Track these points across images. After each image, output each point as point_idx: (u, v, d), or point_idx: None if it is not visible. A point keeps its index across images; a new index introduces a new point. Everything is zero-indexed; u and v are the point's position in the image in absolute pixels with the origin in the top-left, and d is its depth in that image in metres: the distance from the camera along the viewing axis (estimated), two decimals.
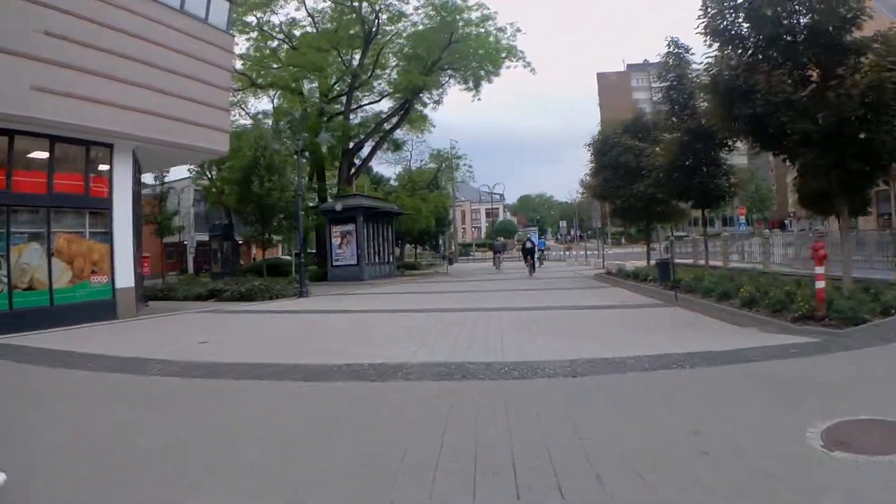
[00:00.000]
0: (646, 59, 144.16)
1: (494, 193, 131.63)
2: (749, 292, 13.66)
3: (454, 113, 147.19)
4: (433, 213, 48.76)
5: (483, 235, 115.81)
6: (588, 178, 32.20)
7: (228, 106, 22.69)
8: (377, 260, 35.08)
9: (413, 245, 62.51)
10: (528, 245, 36.83)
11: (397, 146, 46.01)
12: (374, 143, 42.24)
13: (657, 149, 25.52)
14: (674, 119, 22.14)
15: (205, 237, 49.45)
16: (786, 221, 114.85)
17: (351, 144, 41.04)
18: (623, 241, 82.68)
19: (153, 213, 34.09)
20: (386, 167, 76.84)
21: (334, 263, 33.97)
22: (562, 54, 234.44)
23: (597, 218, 43.67)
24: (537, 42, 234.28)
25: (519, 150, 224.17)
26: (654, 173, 22.25)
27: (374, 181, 56.16)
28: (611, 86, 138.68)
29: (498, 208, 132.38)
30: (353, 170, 41.91)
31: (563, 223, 63.64)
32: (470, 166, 53.12)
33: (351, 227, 33.19)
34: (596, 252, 47.57)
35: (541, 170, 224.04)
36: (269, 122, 39.37)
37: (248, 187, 25.74)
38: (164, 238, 49.57)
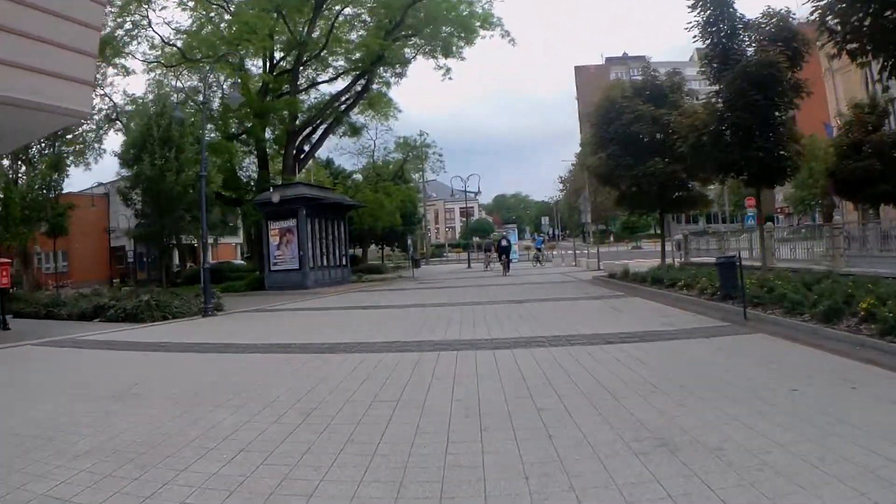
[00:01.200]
0: (625, 52, 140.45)
1: (469, 192, 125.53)
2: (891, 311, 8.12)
3: (423, 112, 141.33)
4: (399, 209, 42.41)
5: (458, 235, 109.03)
6: (579, 158, 26.44)
7: (95, 50, 15.97)
8: (326, 263, 28.56)
9: (379, 246, 56.04)
10: (504, 244, 34.61)
11: (355, 130, 39.35)
12: (326, 126, 35.62)
13: (675, 117, 19.91)
14: (714, 65, 16.12)
15: None
16: (776, 216, 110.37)
17: (304, 126, 34.65)
18: (611, 238, 76.45)
19: (44, 210, 27.31)
20: (348, 159, 70.28)
21: (272, 268, 27.47)
22: (534, 51, 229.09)
23: (586, 212, 37.53)
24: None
25: (491, 152, 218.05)
26: (690, 138, 16.18)
27: (335, 174, 49.66)
28: (589, 79, 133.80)
29: (473, 207, 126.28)
30: (302, 156, 35.38)
31: (545, 220, 57.08)
32: (440, 155, 46.73)
33: (291, 222, 26.70)
34: (586, 251, 41.64)
35: (514, 171, 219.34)
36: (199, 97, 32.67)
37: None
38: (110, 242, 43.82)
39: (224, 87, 32.69)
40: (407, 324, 12.55)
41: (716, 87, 16.28)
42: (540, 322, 11.67)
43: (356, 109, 38.19)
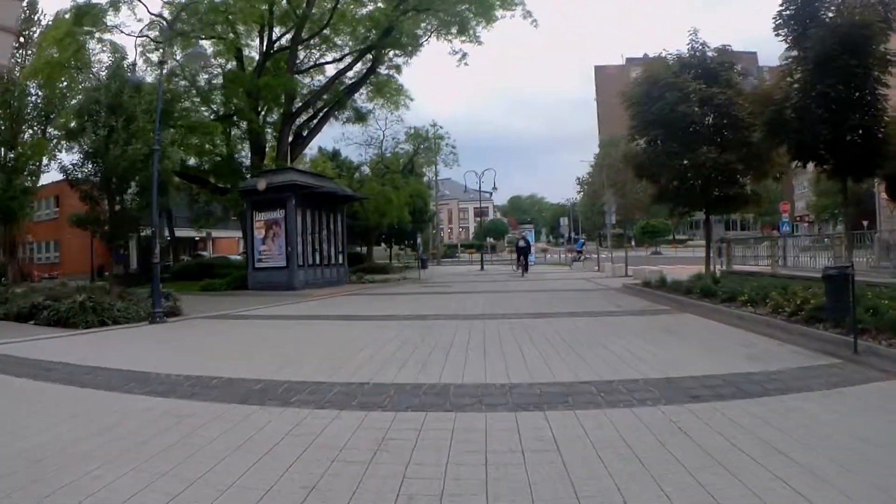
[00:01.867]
0: (645, 54, 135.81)
1: (484, 192, 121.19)
2: None
3: (435, 111, 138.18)
4: (407, 204, 39.15)
5: (471, 236, 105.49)
6: (598, 159, 23.07)
7: None
8: (318, 261, 25.22)
9: (387, 244, 52.70)
10: (522, 244, 34.07)
11: (360, 116, 35.93)
12: (327, 109, 32.36)
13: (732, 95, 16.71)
14: (794, 26, 12.82)
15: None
16: (796, 224, 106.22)
17: (303, 109, 31.43)
18: (632, 243, 72.48)
19: None
20: (354, 150, 66.62)
21: (256, 265, 24.21)
22: (549, 52, 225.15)
23: (611, 212, 34.12)
24: (527, 40, 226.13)
25: (505, 154, 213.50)
26: (766, 112, 12.91)
27: (341, 167, 46.40)
28: (609, 79, 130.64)
29: (487, 207, 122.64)
30: (300, 142, 32.16)
31: (563, 220, 53.23)
32: (453, 147, 43.28)
33: (279, 213, 23.43)
34: (605, 255, 38.26)
35: (529, 173, 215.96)
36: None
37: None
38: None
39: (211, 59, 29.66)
40: (392, 347, 9.21)
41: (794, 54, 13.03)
42: (578, 352, 8.32)
43: (362, 93, 35.09)
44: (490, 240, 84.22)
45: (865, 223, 43.43)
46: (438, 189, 58.28)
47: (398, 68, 33.58)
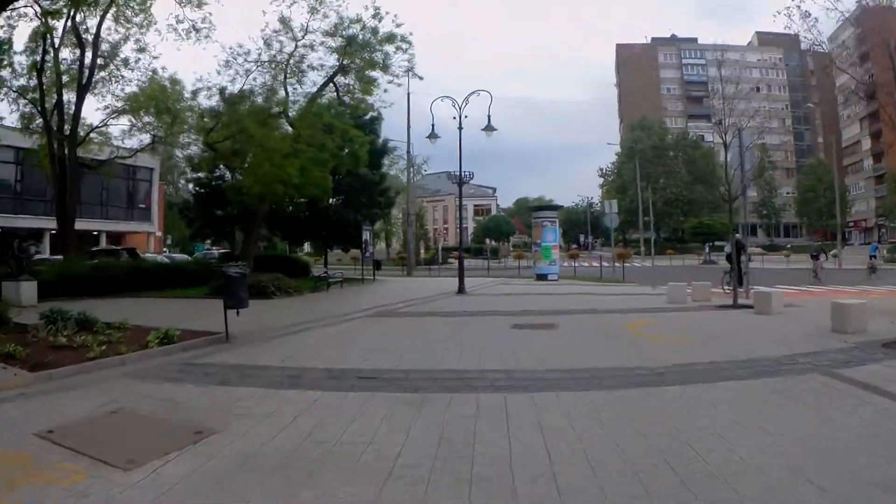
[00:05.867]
0: (673, 34, 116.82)
1: (486, 187, 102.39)
2: None
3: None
4: (323, 163, 19.70)
5: (470, 238, 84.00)
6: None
7: None
8: None
9: (317, 244, 32.40)
10: (728, 249, 20.26)
11: None
12: None
13: None
14: None
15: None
16: (848, 231, 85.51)
17: None
18: (706, 251, 49.99)
19: None
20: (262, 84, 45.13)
21: None
22: (554, 57, 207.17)
23: (747, 178, 14.74)
24: (531, 47, 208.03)
25: (509, 161, 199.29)
26: None
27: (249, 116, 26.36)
28: (633, 60, 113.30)
29: (490, 205, 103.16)
30: None
31: (612, 204, 32.31)
32: (407, 43, 22.61)
33: None
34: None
35: (533, 180, 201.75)
36: None
37: None
38: None
39: None
40: None
41: None
42: None
43: None
44: (490, 241, 64.30)
45: None
46: (411, 151, 38.36)
47: None
